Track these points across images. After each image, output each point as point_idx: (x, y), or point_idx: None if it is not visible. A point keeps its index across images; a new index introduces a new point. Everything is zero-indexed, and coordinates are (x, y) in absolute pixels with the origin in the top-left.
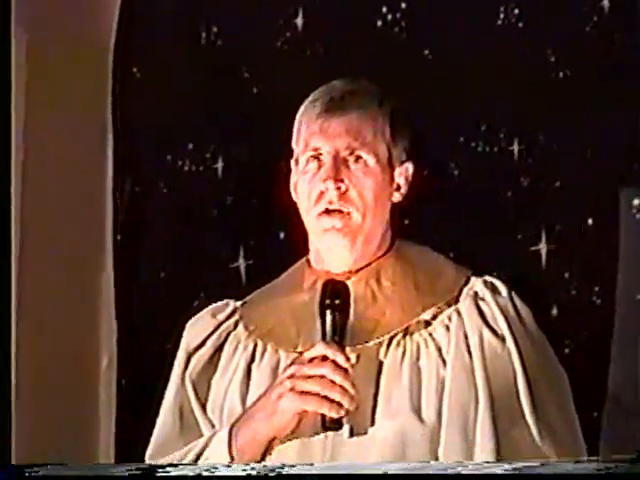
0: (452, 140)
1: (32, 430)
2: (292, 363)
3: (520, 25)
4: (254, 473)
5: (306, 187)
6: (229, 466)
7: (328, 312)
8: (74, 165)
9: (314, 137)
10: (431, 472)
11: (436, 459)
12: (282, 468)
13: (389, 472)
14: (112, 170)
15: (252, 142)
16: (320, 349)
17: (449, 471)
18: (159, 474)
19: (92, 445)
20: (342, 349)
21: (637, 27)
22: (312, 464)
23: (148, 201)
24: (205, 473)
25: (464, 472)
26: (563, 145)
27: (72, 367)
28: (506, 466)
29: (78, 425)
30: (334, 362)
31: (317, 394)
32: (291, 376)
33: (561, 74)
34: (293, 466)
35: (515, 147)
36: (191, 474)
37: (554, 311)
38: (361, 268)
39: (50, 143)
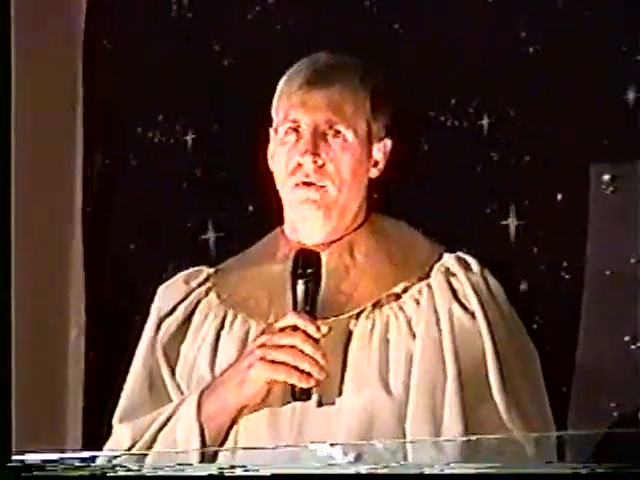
0: (421, 114)
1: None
2: (263, 332)
3: None
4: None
5: (283, 158)
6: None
7: (300, 282)
8: (44, 137)
9: (294, 109)
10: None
11: (403, 432)
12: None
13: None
14: (82, 142)
15: (222, 114)
16: (291, 319)
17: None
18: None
19: (60, 415)
20: (313, 319)
21: (608, 1)
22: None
23: (118, 173)
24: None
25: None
26: (533, 120)
27: (40, 338)
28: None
29: (46, 396)
30: (305, 332)
31: (287, 364)
32: (262, 345)
33: (531, 49)
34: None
35: (485, 121)
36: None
37: (523, 286)
38: (335, 241)
39: (19, 115)
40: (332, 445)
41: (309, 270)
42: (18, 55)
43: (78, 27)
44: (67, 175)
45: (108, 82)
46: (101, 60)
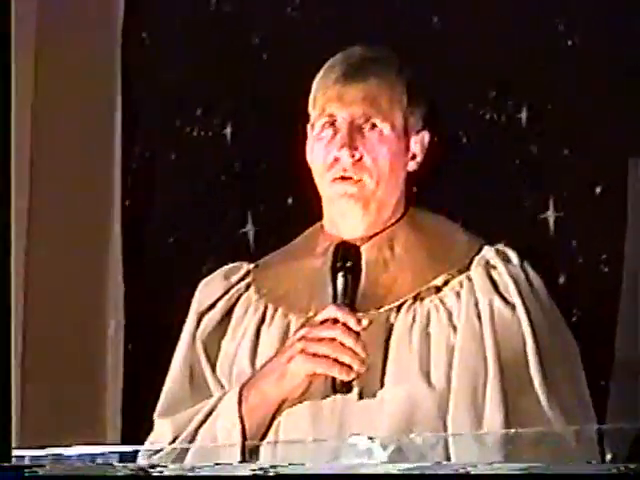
0: (460, 107)
1: (40, 397)
2: (303, 325)
3: None
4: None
5: (321, 153)
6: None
7: (340, 275)
8: (83, 130)
9: (330, 103)
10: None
11: (444, 425)
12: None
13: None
14: (121, 135)
15: (261, 108)
16: (331, 311)
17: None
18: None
19: (100, 410)
20: (353, 312)
21: None
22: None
23: (157, 166)
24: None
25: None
26: (572, 113)
27: (79, 332)
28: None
29: (86, 390)
30: (345, 325)
31: (328, 356)
32: (302, 338)
33: (570, 42)
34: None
35: (524, 114)
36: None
37: (561, 279)
38: (374, 235)
39: (58, 109)
40: (370, 439)
41: (348, 263)
42: (58, 50)
43: (117, 20)
44: (106, 169)
45: (146, 76)
46: (140, 53)
